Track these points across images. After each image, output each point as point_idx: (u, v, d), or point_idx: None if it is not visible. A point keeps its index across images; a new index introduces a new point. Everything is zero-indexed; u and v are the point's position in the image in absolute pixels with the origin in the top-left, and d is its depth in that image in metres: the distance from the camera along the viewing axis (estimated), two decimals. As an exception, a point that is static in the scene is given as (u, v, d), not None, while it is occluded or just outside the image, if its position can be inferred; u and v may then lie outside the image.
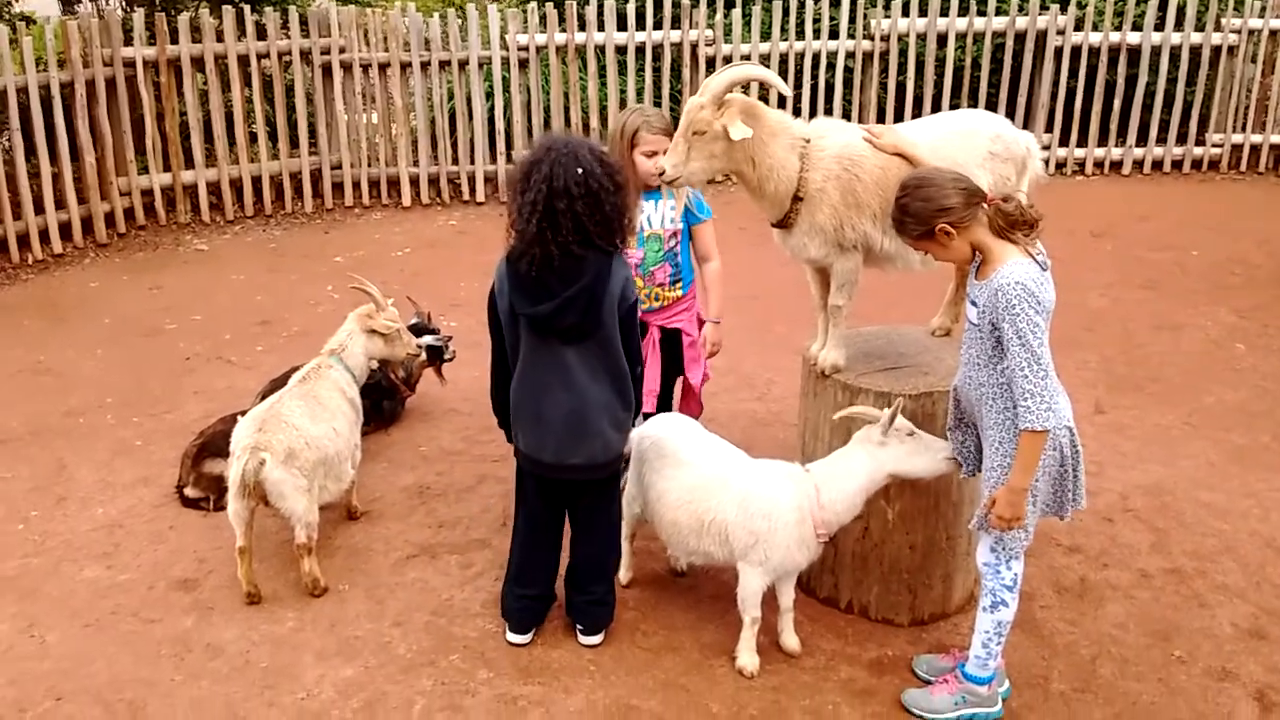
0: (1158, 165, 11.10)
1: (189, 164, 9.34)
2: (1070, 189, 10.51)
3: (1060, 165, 10.99)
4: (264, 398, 4.71)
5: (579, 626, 4.01)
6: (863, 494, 3.64)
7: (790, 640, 3.93)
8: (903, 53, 10.67)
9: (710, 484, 3.85)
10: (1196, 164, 11.11)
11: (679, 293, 4.61)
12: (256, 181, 9.66)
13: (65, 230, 8.56)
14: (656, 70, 10.34)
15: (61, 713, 3.67)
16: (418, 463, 5.41)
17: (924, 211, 3.26)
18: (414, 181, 10.17)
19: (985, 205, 3.24)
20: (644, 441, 4.13)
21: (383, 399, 5.66)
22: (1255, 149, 11.06)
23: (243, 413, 4.46)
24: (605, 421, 3.71)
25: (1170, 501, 4.99)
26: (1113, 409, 5.87)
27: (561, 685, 3.77)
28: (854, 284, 3.89)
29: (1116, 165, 11.12)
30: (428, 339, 5.83)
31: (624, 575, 4.33)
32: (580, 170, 3.41)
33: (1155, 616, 4.18)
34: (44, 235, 8.40)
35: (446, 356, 5.93)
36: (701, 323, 4.68)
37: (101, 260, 8.59)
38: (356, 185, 10.03)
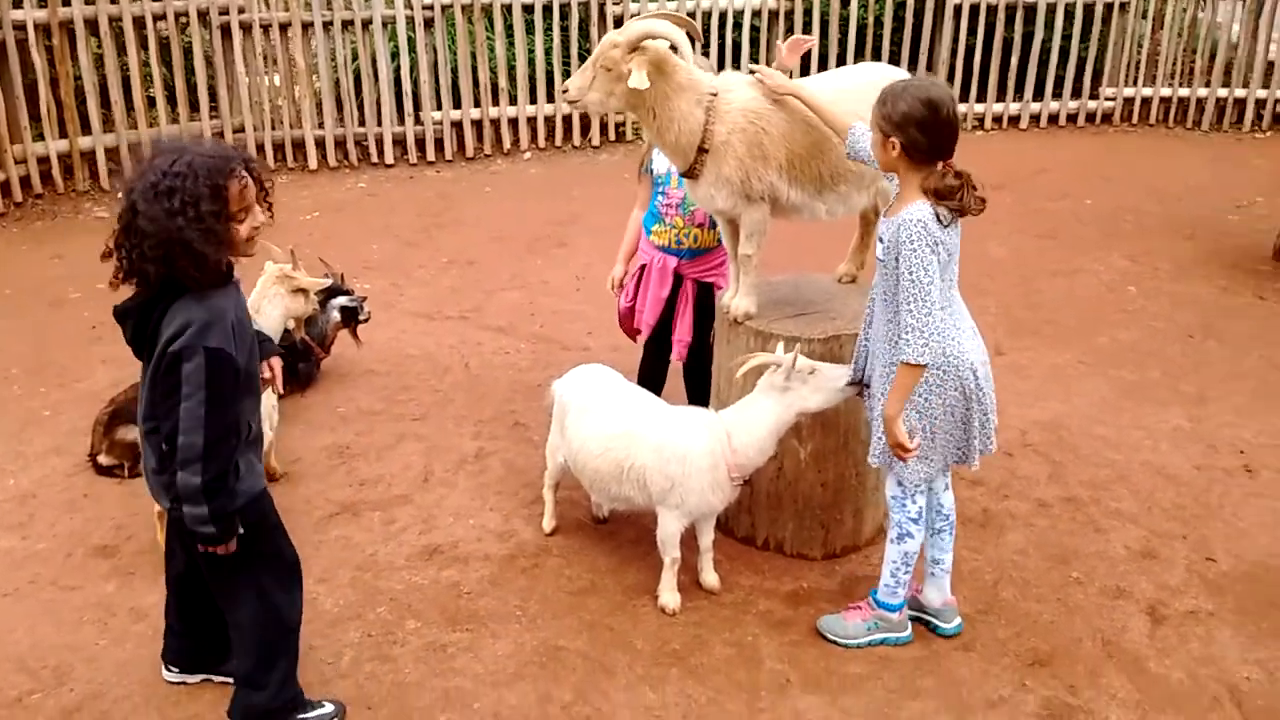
0: (1054, 119, 11.45)
1: (86, 130, 9.08)
2: (971, 144, 10.78)
3: (960, 120, 11.24)
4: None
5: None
6: (773, 436, 3.76)
7: (710, 578, 4.07)
8: (808, 12, 10.82)
9: (628, 432, 3.95)
10: (1090, 117, 11.48)
11: (716, 240, 4.63)
12: (157, 147, 9.43)
13: (-43, 200, 8.29)
14: (565, 29, 10.32)
15: (-17, 681, 3.64)
16: (336, 424, 5.42)
17: (901, 116, 3.26)
18: (320, 144, 10.03)
19: (941, 164, 3.32)
20: (565, 392, 4.22)
21: (297, 362, 5.63)
22: (1146, 102, 11.47)
23: (156, 377, 4.41)
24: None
25: (1066, 436, 5.24)
26: (1011, 350, 6.10)
27: (489, 631, 3.85)
28: (762, 234, 4.00)
29: (1015, 120, 11.44)
30: (343, 300, 5.82)
31: (548, 524, 4.42)
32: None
33: (1053, 542, 4.40)
34: (-65, 206, 8.13)
35: (361, 318, 5.92)
36: None
37: (-2, 230, 8.35)
38: (260, 148, 9.85)
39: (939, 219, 3.26)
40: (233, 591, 3.23)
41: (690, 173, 3.93)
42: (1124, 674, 3.67)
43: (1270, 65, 11.23)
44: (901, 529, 3.66)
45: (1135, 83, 11.43)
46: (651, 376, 4.88)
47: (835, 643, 3.75)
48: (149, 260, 2.82)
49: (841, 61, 10.84)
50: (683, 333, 4.74)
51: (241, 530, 3.05)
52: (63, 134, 8.96)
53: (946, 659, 3.72)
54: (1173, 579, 4.18)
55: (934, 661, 3.70)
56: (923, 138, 3.26)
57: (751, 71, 3.94)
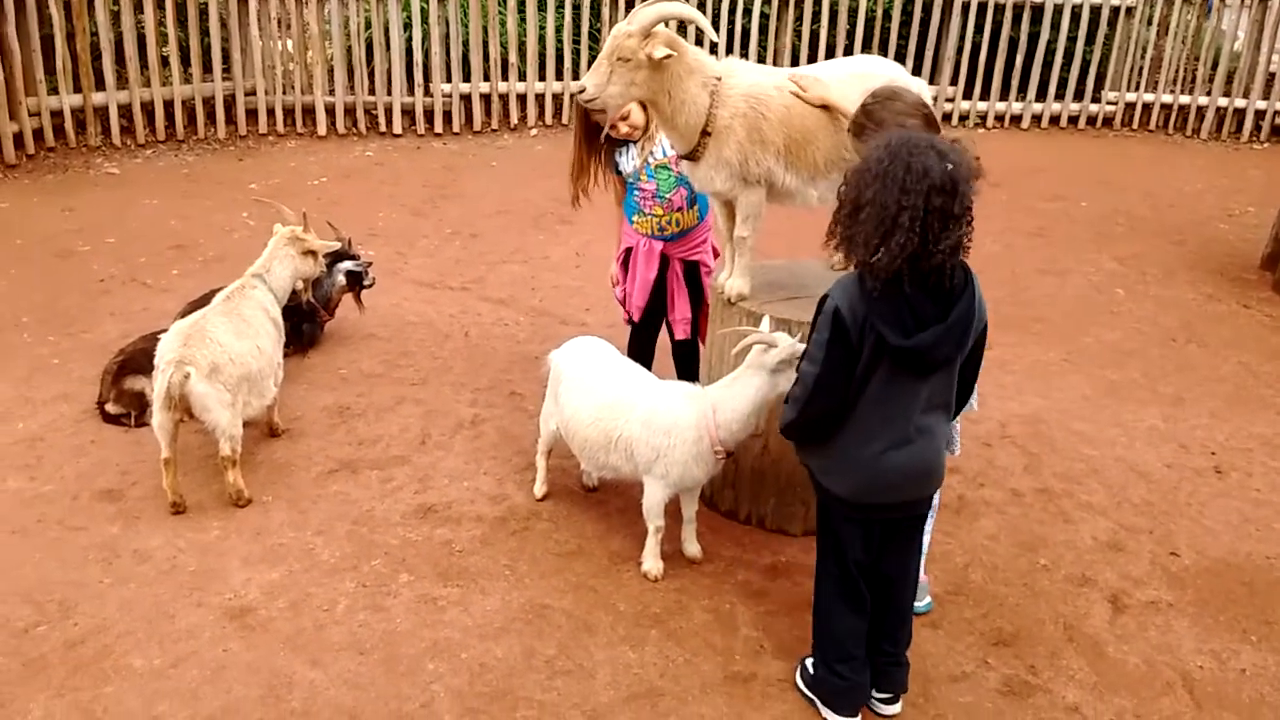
0: (1055, 120, 11.58)
1: (100, 85, 9.18)
2: (971, 141, 10.87)
3: (963, 118, 11.40)
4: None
5: (877, 693, 3.55)
6: (756, 413, 3.88)
7: (692, 548, 4.23)
8: (816, 2, 10.92)
9: (618, 403, 4.10)
10: (1091, 120, 11.61)
11: (696, 217, 4.83)
12: (169, 106, 9.55)
13: (-29, 150, 8.40)
14: (576, 8, 10.42)
15: (-9, 612, 3.80)
16: (337, 384, 5.56)
17: (886, 121, 3.43)
18: (330, 111, 10.14)
19: None
20: (561, 363, 4.37)
21: (302, 322, 5.77)
22: (1147, 107, 11.60)
23: (163, 332, 4.56)
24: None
25: (1044, 429, 5.40)
26: (997, 346, 6.25)
27: (479, 587, 4.02)
28: (758, 216, 4.14)
29: (1016, 119, 11.57)
30: (348, 264, 5.95)
31: (539, 489, 4.58)
32: (949, 165, 2.96)
33: (1024, 530, 4.57)
34: (-51, 154, 8.24)
35: (366, 283, 6.06)
36: (717, 253, 4.87)
37: (10, 181, 8.45)
38: (271, 113, 9.96)
39: None
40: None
41: (692, 155, 4.05)
42: (1083, 657, 3.84)
43: (1271, 77, 11.36)
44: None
45: (1137, 88, 11.56)
46: (639, 355, 5.03)
47: None
48: None
49: (849, 52, 10.94)
50: (682, 310, 4.90)
51: None
52: (77, 89, 9.05)
53: (915, 634, 3.82)
54: (1136, 570, 4.35)
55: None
56: (909, 123, 3.42)
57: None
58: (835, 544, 3.39)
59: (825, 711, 3.50)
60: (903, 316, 3.02)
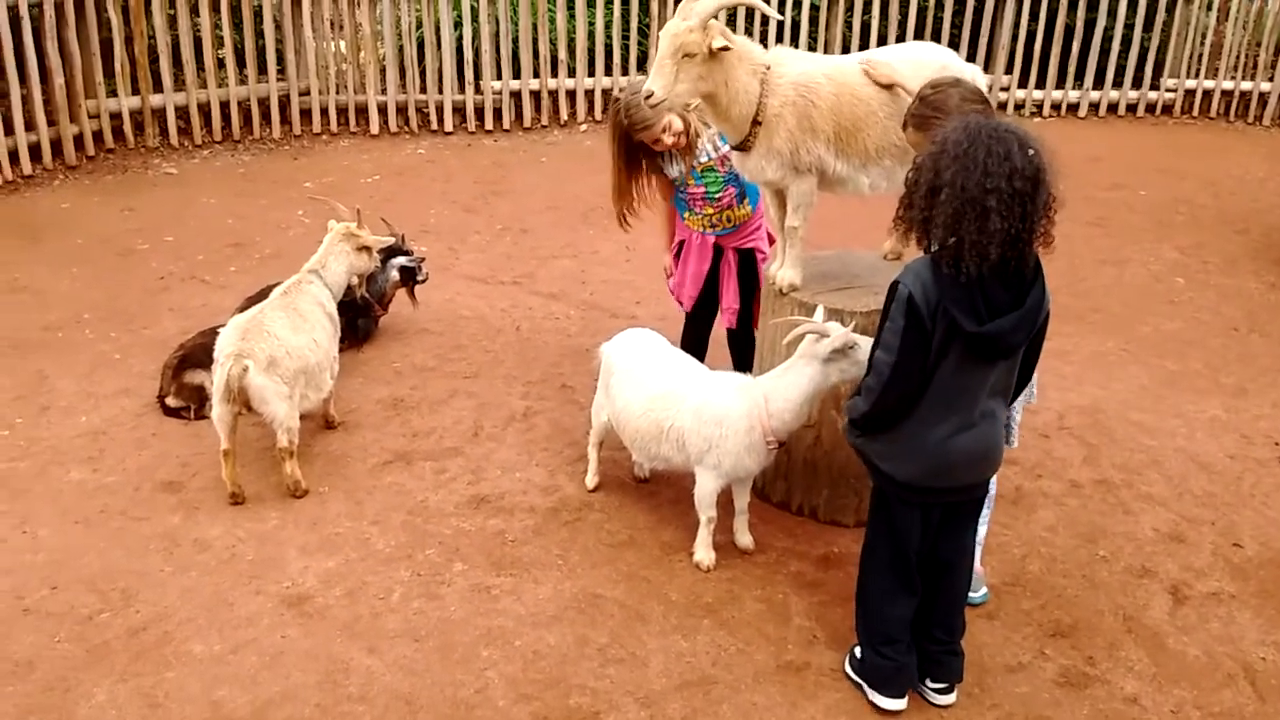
0: (1113, 108, 11.38)
1: (157, 88, 9.34)
2: (1028, 129, 10.75)
3: (1019, 106, 11.24)
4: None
5: (931, 682, 3.53)
6: (808, 403, 3.86)
7: (744, 539, 4.22)
8: (867, -9, 10.83)
9: (669, 394, 4.10)
10: (1150, 108, 11.40)
11: (749, 209, 4.83)
12: (225, 107, 9.69)
13: (35, 152, 8.56)
14: (625, 3, 10.42)
15: (58, 600, 3.89)
16: (391, 378, 5.62)
17: (950, 109, 3.43)
18: (382, 110, 10.23)
19: None
20: (612, 355, 4.38)
21: (357, 317, 5.84)
22: (1207, 94, 11.36)
23: (221, 327, 4.63)
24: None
25: (1103, 420, 5.32)
26: (1055, 336, 6.08)
27: (531, 577, 4.04)
28: (809, 205, 4.12)
29: (1073, 107, 11.38)
30: (402, 260, 6.01)
31: (591, 480, 4.60)
32: (1031, 150, 2.98)
33: (1083, 521, 4.50)
34: (14, 156, 8.40)
35: (420, 278, 6.11)
36: (772, 240, 4.86)
37: (71, 182, 8.63)
38: (325, 112, 10.07)
39: None
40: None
41: (743, 145, 4.04)
42: (1142, 648, 3.78)
43: (1337, 62, 11.09)
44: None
45: (1197, 75, 11.32)
46: (693, 345, 5.02)
47: None
48: None
49: (901, 42, 10.83)
50: (730, 300, 4.89)
51: None
52: (135, 91, 9.22)
53: (971, 625, 3.82)
54: (1198, 561, 4.27)
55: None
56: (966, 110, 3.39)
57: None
58: (890, 530, 3.38)
59: (872, 694, 3.50)
60: (976, 303, 3.00)
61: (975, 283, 2.98)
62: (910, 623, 3.45)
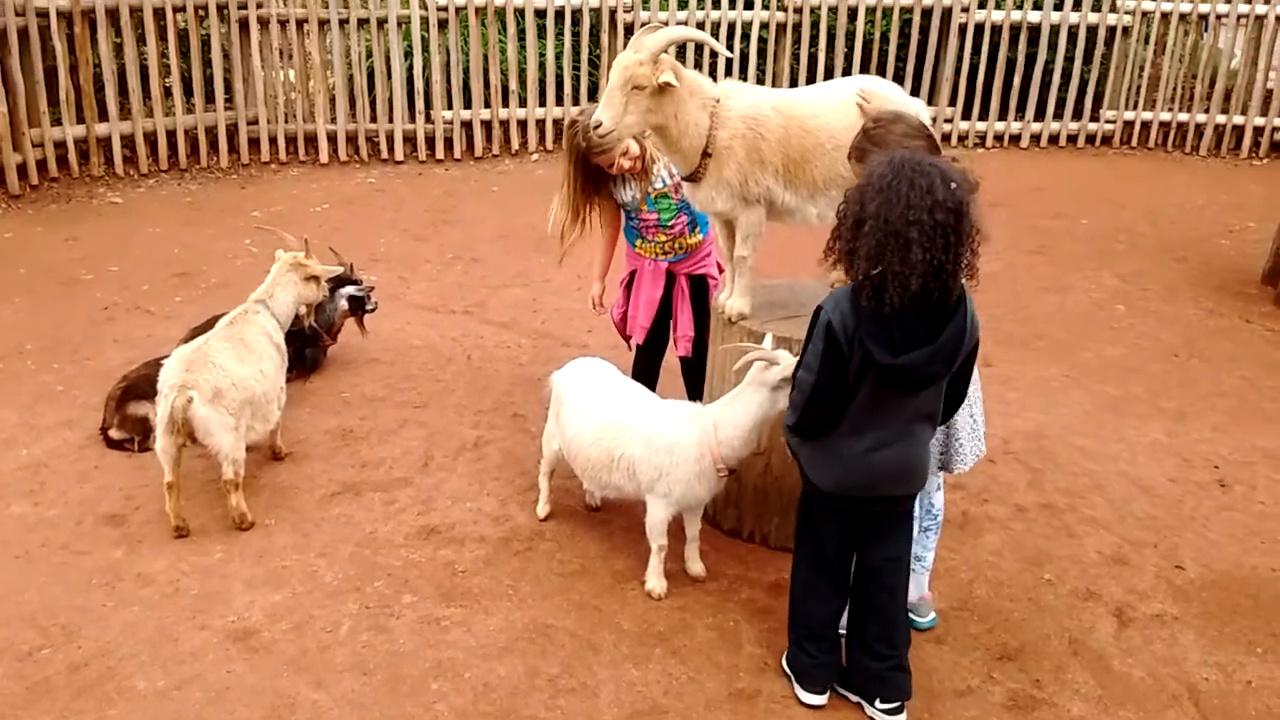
0: (1054, 139, 11.63)
1: (103, 116, 9.25)
2: (971, 161, 10.93)
3: (962, 138, 11.45)
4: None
5: (881, 703, 3.53)
6: (757, 430, 3.88)
7: (696, 566, 4.23)
8: (814, 25, 11.00)
9: (620, 423, 4.11)
10: (1090, 139, 11.67)
11: (699, 237, 4.89)
12: (171, 135, 9.62)
13: (-25, 180, 8.46)
14: (575, 35, 10.50)
15: (-5, 637, 3.80)
16: (340, 408, 5.58)
17: (889, 144, 3.46)
18: (332, 139, 10.21)
19: None
20: (563, 383, 4.39)
21: (305, 347, 5.80)
22: (1146, 125, 11.66)
23: (166, 358, 4.57)
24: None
25: (1047, 445, 5.40)
26: (999, 362, 6.26)
27: (482, 607, 4.01)
28: (758, 235, 4.17)
29: (1015, 139, 11.63)
30: (351, 289, 5.98)
31: (542, 510, 4.58)
32: (954, 184, 3.04)
33: (1028, 545, 4.56)
34: (-47, 184, 8.30)
35: (369, 307, 6.08)
36: (720, 269, 4.88)
37: (14, 211, 8.51)
38: (273, 141, 10.03)
39: None
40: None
41: (693, 176, 4.08)
42: (1088, 670, 3.82)
43: (1269, 93, 11.41)
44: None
45: (1136, 106, 11.61)
46: (644, 374, 5.04)
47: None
48: None
49: (847, 75, 10.99)
50: (685, 328, 4.92)
51: None
52: (80, 120, 9.13)
53: (920, 650, 3.86)
54: (1141, 584, 4.34)
55: (908, 652, 3.85)
56: (913, 145, 3.44)
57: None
58: (813, 533, 3.54)
59: (797, 689, 3.63)
60: (892, 334, 3.10)
61: (894, 314, 3.07)
62: (835, 621, 3.59)
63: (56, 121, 9.02)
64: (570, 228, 4.85)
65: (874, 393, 3.19)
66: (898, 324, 3.09)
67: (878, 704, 3.54)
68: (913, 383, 3.17)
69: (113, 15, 9.02)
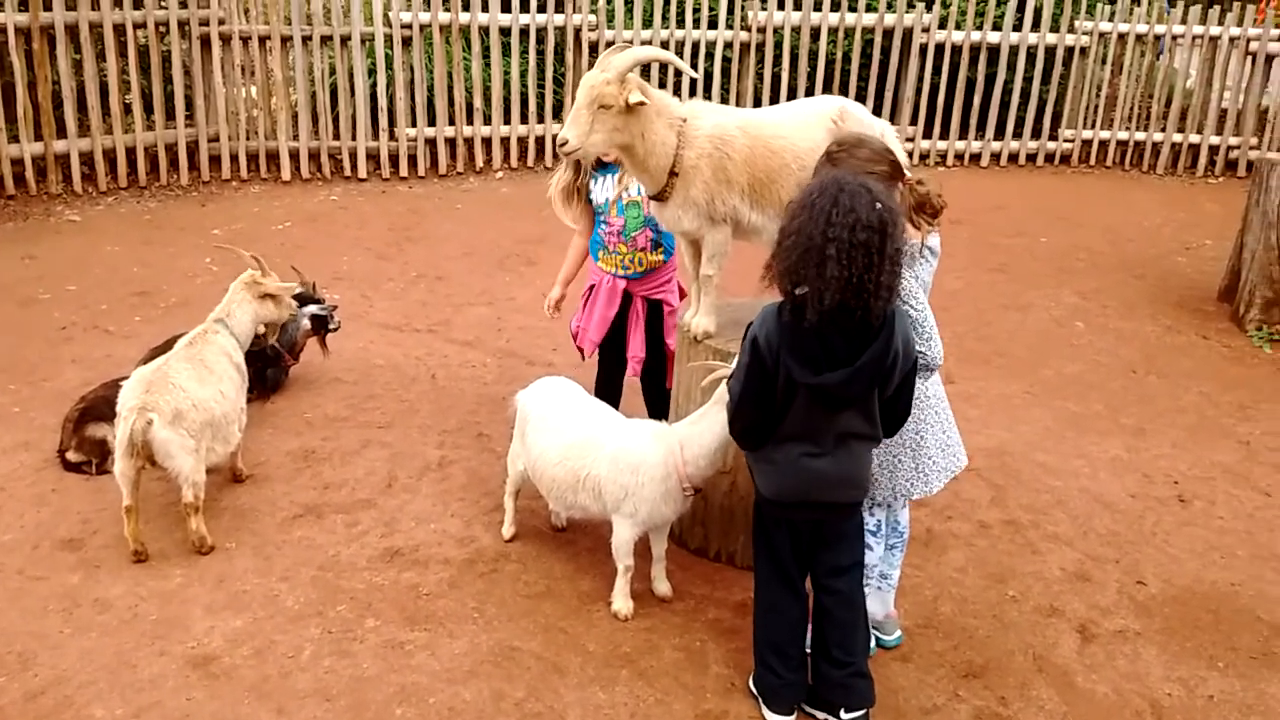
0: (1014, 158, 11.76)
1: (61, 133, 9.14)
2: (931, 180, 11.05)
3: (923, 157, 11.54)
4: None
5: (845, 712, 3.55)
6: (723, 449, 3.86)
7: (662, 586, 4.21)
8: (778, 45, 11.08)
9: (585, 443, 4.10)
10: (1050, 158, 11.80)
11: (661, 258, 4.89)
12: (131, 153, 9.51)
13: (-71, 198, 8.33)
14: (540, 53, 10.51)
15: (-53, 666, 3.72)
16: (302, 428, 5.52)
17: (854, 170, 3.46)
18: (294, 156, 10.13)
19: (902, 183, 3.53)
20: (528, 403, 4.37)
21: (266, 367, 5.74)
22: (1104, 144, 11.81)
23: (125, 379, 4.51)
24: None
25: (1009, 461, 5.44)
26: (961, 379, 6.31)
27: (446, 630, 3.98)
28: (724, 255, 4.17)
29: (975, 158, 11.74)
30: (313, 308, 5.93)
31: (507, 530, 4.55)
32: (879, 204, 3.07)
33: (992, 562, 4.59)
34: (-93, 203, 8.16)
35: (331, 326, 6.04)
36: (683, 294, 4.91)
37: (-32, 229, 8.38)
38: (235, 159, 9.94)
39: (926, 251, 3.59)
40: None
41: (660, 195, 4.09)
42: (1053, 687, 3.84)
43: (1223, 113, 11.61)
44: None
45: (1094, 125, 11.77)
46: (607, 391, 5.04)
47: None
48: None
49: (810, 94, 11.10)
50: (636, 349, 4.92)
51: None
52: (38, 137, 9.01)
53: (886, 668, 3.88)
54: (1104, 600, 4.37)
55: (874, 670, 3.81)
56: (878, 169, 3.48)
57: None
58: (767, 542, 3.60)
59: (764, 710, 3.62)
60: (814, 353, 3.16)
61: (816, 331, 3.12)
62: (798, 633, 3.61)
63: (14, 139, 8.90)
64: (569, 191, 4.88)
65: (804, 406, 3.26)
66: (819, 341, 3.15)
67: (842, 713, 3.55)
68: (835, 402, 3.23)
69: (72, 31, 8.92)
